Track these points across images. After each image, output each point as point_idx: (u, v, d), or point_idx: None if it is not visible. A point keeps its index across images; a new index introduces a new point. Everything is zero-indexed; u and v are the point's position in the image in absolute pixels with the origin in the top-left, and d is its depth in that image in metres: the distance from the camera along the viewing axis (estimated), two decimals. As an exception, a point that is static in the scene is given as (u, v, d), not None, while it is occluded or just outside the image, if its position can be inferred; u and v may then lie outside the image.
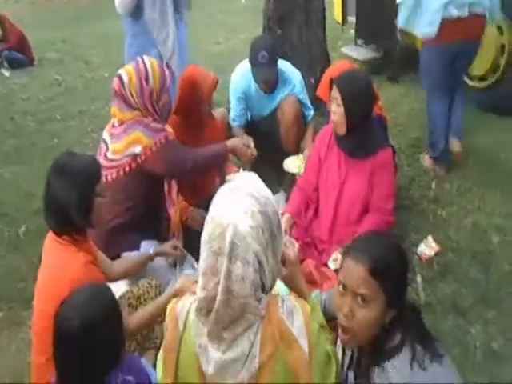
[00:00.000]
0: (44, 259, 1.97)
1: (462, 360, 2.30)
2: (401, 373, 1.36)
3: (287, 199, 3.12)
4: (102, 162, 2.36)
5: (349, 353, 1.59)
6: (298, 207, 2.74)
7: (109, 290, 1.72)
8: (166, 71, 2.55)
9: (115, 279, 2.24)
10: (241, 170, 3.15)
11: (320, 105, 3.87)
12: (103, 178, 2.04)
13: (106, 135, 2.50)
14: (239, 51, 5.77)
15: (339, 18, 5.83)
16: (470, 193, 3.48)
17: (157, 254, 2.44)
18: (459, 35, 3.26)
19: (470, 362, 2.31)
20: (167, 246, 2.49)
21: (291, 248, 1.49)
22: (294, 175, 3.27)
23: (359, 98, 2.42)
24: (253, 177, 1.36)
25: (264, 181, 1.37)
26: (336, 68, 3.00)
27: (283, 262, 1.45)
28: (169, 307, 1.38)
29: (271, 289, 1.30)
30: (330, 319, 1.76)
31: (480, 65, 4.34)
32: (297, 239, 2.55)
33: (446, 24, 3.22)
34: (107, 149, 2.44)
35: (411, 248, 2.95)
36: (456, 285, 2.75)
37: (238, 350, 1.22)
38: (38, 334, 1.90)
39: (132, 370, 1.60)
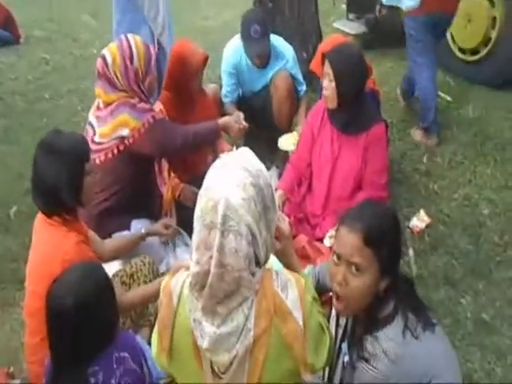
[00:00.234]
0: (34, 240, 1.96)
1: (453, 330, 2.34)
2: (393, 341, 1.39)
3: (280, 175, 3.11)
4: (90, 145, 2.30)
5: (343, 324, 1.61)
6: (290, 183, 2.74)
7: (101, 267, 1.72)
8: (151, 49, 2.48)
9: (107, 259, 2.22)
10: (234, 148, 3.13)
11: (312, 80, 3.85)
12: (91, 162, 2.01)
13: (91, 118, 2.45)
14: (230, 27, 5.68)
15: (330, -8, 5.75)
16: (462, 166, 3.50)
17: (148, 234, 2.42)
18: (438, 7, 3.45)
19: (460, 333, 2.35)
20: (159, 225, 2.47)
21: (284, 222, 1.48)
22: (287, 152, 3.26)
23: (351, 74, 2.40)
24: (245, 150, 1.34)
25: (256, 157, 1.36)
26: (329, 42, 2.98)
27: (277, 237, 1.45)
28: (163, 283, 1.38)
29: (265, 262, 1.30)
30: (323, 292, 1.78)
31: (471, 38, 4.31)
32: (289, 215, 2.56)
33: None
34: (94, 133, 2.39)
35: (403, 222, 2.97)
36: (447, 257, 2.78)
37: (233, 324, 1.23)
38: (31, 315, 1.90)
39: (127, 346, 1.61)
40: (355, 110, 2.49)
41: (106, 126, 2.35)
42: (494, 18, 4.15)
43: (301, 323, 1.25)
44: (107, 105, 2.38)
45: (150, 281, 2.24)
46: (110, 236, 2.40)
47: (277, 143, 3.34)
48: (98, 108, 2.42)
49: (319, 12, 4.56)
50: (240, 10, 3.52)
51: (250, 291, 1.23)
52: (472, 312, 2.45)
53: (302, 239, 2.49)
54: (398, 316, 1.41)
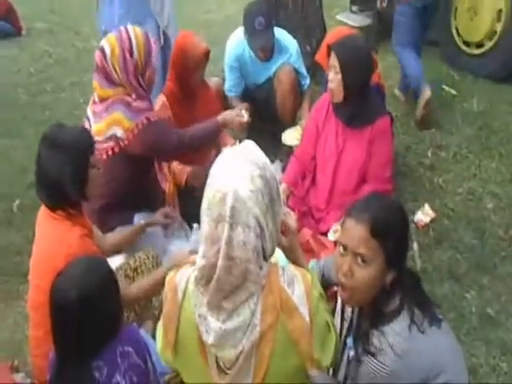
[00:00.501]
0: (38, 234, 1.95)
1: (457, 325, 2.33)
2: (400, 336, 1.38)
3: (284, 169, 3.10)
4: None
5: (348, 318, 1.60)
6: (294, 177, 2.73)
7: (105, 261, 1.72)
8: (151, 41, 2.40)
9: (109, 253, 2.20)
10: (237, 142, 3.11)
11: (316, 72, 3.83)
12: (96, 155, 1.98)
13: (89, 111, 2.39)
14: (232, 20, 5.63)
15: (334, -16, 5.73)
16: (466, 160, 3.48)
17: (148, 225, 2.41)
18: None
19: (465, 327, 2.35)
20: (158, 215, 2.46)
21: (290, 217, 1.47)
22: (291, 146, 3.24)
23: (358, 66, 2.38)
24: (249, 144, 1.34)
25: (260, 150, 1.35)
26: (335, 34, 2.96)
27: (283, 231, 1.44)
28: (168, 278, 1.37)
29: (270, 256, 1.30)
30: (328, 286, 1.77)
31: (476, 31, 4.29)
32: (293, 209, 2.55)
33: None
34: (90, 128, 2.34)
35: (408, 216, 2.95)
36: (452, 251, 2.77)
37: (239, 319, 1.22)
38: (35, 309, 1.89)
39: (131, 341, 1.60)
40: (360, 103, 2.47)
41: (101, 123, 2.30)
42: (500, 11, 4.11)
43: (307, 319, 1.24)
44: (102, 99, 2.32)
45: (154, 274, 2.24)
46: (112, 231, 2.38)
47: (280, 136, 3.33)
48: (94, 102, 2.37)
49: (322, 4, 4.52)
50: (243, 4, 3.48)
51: (257, 286, 1.22)
52: (477, 307, 2.45)
53: (306, 233, 2.48)
54: (404, 311, 1.41)
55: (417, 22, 3.86)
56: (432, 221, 2.95)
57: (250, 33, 3.21)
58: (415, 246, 2.78)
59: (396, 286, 1.43)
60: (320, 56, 3.04)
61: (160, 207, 2.64)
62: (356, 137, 2.52)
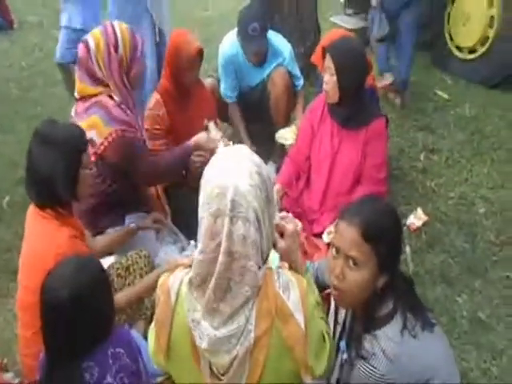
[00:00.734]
0: (27, 233, 1.92)
1: (449, 329, 2.34)
2: (392, 340, 1.38)
3: (277, 170, 3.10)
4: None
5: (341, 321, 1.60)
6: (289, 178, 2.72)
7: (96, 260, 1.69)
8: (138, 38, 2.33)
9: (99, 254, 2.17)
10: (231, 143, 3.09)
11: (310, 74, 3.83)
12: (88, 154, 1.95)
13: (73, 110, 2.33)
14: (229, 18, 5.62)
15: (328, -14, 5.73)
16: (458, 165, 3.50)
17: (139, 228, 2.38)
18: None
19: (456, 331, 2.36)
20: (148, 220, 2.43)
21: (291, 221, 1.47)
22: (283, 146, 3.23)
23: (353, 67, 2.38)
24: (242, 147, 1.35)
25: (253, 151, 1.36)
26: (330, 36, 2.95)
27: (281, 234, 1.43)
28: (160, 281, 1.35)
29: (267, 257, 1.29)
30: (322, 289, 1.77)
31: (469, 36, 4.32)
32: (287, 210, 2.54)
33: None
34: None
35: (400, 219, 2.96)
36: (443, 255, 2.79)
37: (233, 326, 1.21)
38: (23, 309, 1.87)
39: (122, 342, 1.58)
40: (356, 104, 2.47)
41: (81, 124, 2.19)
42: (492, 17, 4.15)
43: (302, 326, 1.24)
44: (81, 95, 2.25)
45: (146, 273, 2.22)
46: (102, 232, 2.35)
47: (274, 138, 3.32)
48: (77, 100, 2.29)
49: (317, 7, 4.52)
50: (239, 2, 3.48)
51: (254, 289, 1.21)
52: (468, 311, 2.46)
53: (300, 235, 2.46)
54: (397, 315, 1.41)
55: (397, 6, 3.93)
56: (424, 224, 2.97)
57: (244, 38, 3.17)
58: (407, 249, 2.79)
59: (388, 290, 1.43)
60: (316, 58, 3.03)
61: (151, 209, 2.61)
62: (351, 138, 2.52)
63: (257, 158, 1.27)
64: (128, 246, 2.34)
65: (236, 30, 3.27)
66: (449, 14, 4.52)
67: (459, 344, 2.29)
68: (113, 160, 2.24)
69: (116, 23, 2.29)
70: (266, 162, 3.25)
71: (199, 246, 1.23)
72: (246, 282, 1.20)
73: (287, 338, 1.23)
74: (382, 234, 1.39)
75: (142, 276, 2.21)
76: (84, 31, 3.31)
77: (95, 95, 2.23)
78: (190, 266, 1.30)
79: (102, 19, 3.54)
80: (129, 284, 2.19)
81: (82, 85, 2.25)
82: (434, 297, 2.52)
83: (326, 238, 2.42)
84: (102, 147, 2.19)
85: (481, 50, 4.30)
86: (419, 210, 3.03)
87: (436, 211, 3.09)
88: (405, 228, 2.93)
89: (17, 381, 2.03)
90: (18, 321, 1.93)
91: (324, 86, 2.47)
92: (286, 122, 3.45)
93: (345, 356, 1.53)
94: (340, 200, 2.48)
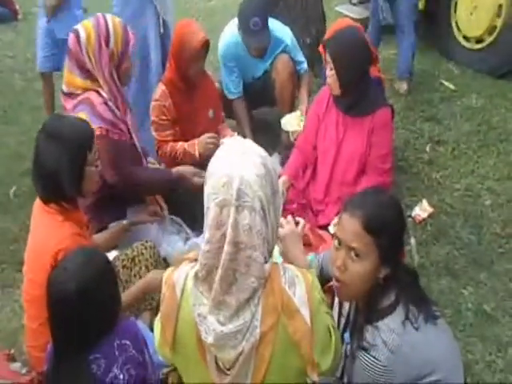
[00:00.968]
0: (32, 226, 1.93)
1: (454, 321, 2.34)
2: (393, 331, 1.38)
3: (282, 162, 3.09)
4: None
5: (345, 313, 1.61)
6: (296, 169, 2.73)
7: (102, 253, 1.70)
8: (130, 32, 2.29)
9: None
10: (235, 134, 3.09)
11: (315, 65, 3.81)
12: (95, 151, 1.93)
13: (62, 106, 2.30)
14: (232, 9, 5.58)
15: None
16: (465, 156, 3.48)
17: (133, 224, 2.36)
18: None
19: (461, 324, 2.35)
20: (143, 215, 2.44)
21: (287, 225, 1.48)
22: (288, 135, 3.20)
23: (350, 60, 2.38)
24: (247, 140, 1.37)
25: (258, 144, 1.35)
26: (334, 28, 2.94)
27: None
28: (165, 276, 1.35)
29: (272, 250, 1.29)
30: (326, 281, 1.77)
31: (477, 26, 4.27)
32: (293, 201, 2.54)
33: None
34: None
35: (406, 211, 2.95)
36: (449, 247, 2.77)
37: (239, 321, 1.21)
38: (29, 302, 1.88)
39: (128, 334, 1.59)
40: (359, 93, 2.48)
41: None
42: (500, 6, 4.10)
43: (308, 321, 1.24)
44: (69, 87, 2.20)
45: (152, 264, 2.23)
46: (106, 227, 2.34)
47: (278, 131, 3.30)
48: (64, 94, 2.24)
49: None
50: (244, -9, 3.42)
51: (260, 281, 1.21)
52: (473, 303, 2.45)
53: (305, 226, 2.46)
54: (400, 307, 1.41)
55: None
56: (430, 216, 2.95)
57: (245, 32, 3.12)
58: (413, 241, 2.78)
59: (391, 281, 1.44)
60: (322, 49, 3.01)
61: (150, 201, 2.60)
62: (356, 126, 2.52)
63: (261, 150, 1.28)
64: (132, 238, 2.35)
65: (236, 20, 3.22)
66: (456, 3, 4.46)
67: (464, 336, 2.28)
68: (101, 156, 2.18)
69: (109, 16, 2.26)
70: (270, 154, 3.24)
71: (205, 236, 1.24)
72: (251, 273, 1.20)
73: (293, 333, 1.23)
74: (384, 227, 1.40)
75: (147, 267, 2.21)
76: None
77: (83, 90, 2.20)
78: (195, 260, 1.30)
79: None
80: (134, 275, 2.19)
81: (71, 75, 2.22)
82: (438, 289, 2.52)
83: (332, 229, 2.42)
84: None
85: (488, 40, 4.25)
86: (425, 202, 3.01)
87: (442, 203, 3.07)
88: (410, 220, 2.92)
89: (24, 370, 2.04)
90: (25, 312, 1.95)
91: (327, 80, 2.49)
92: (291, 109, 3.41)
93: (348, 347, 1.54)
94: (344, 190, 2.48)
